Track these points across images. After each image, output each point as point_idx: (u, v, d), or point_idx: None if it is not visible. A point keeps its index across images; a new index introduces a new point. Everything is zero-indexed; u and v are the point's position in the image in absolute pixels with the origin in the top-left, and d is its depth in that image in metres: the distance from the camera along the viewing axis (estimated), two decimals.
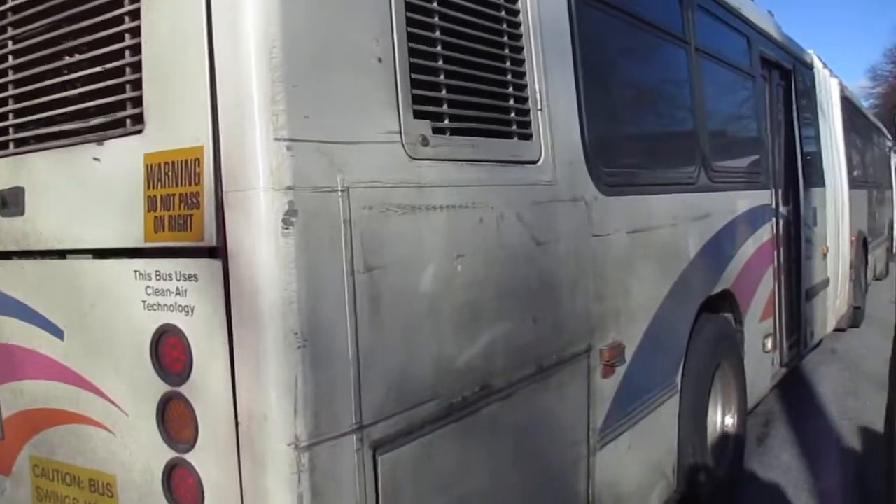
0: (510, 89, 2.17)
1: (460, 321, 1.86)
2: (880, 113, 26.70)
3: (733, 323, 4.15)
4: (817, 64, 6.67)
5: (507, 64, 2.16)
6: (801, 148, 5.75)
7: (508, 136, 2.15)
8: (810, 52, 6.59)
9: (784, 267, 5.37)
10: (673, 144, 3.40)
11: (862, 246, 8.94)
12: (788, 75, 5.66)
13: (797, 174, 5.66)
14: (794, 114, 5.69)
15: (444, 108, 1.90)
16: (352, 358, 1.55)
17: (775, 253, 5.06)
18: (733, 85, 4.32)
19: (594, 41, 2.66)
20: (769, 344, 4.68)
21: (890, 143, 15.19)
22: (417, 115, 1.78)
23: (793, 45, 5.86)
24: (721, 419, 3.93)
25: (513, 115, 2.18)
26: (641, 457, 2.91)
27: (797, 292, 5.68)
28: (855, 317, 8.35)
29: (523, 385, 2.12)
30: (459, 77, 1.95)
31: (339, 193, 1.53)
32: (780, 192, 5.31)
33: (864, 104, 16.02)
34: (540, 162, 2.25)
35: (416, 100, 1.78)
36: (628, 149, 2.97)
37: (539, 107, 2.25)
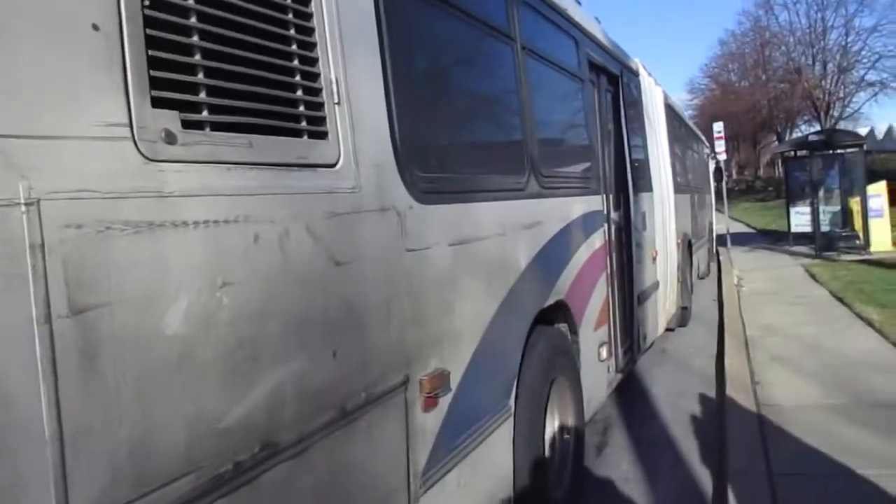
0: (297, 77, 1.79)
1: (228, 367, 1.46)
2: (698, 123, 28.73)
3: (568, 334, 4.00)
4: (643, 72, 6.80)
5: (293, 46, 1.79)
6: (630, 154, 5.78)
7: (296, 133, 1.77)
8: (636, 60, 6.71)
9: (617, 272, 5.35)
10: (499, 148, 3.15)
11: (687, 248, 9.34)
12: (616, 81, 5.67)
13: (627, 180, 5.68)
14: (623, 120, 5.71)
15: (202, 95, 1.49)
16: (49, 437, 1.11)
17: (608, 259, 5.01)
18: (562, 88, 4.19)
19: (406, 28, 2.35)
20: (604, 352, 4.59)
21: (708, 151, 16.26)
22: (159, 103, 1.36)
23: (619, 51, 5.90)
24: (559, 436, 3.75)
25: (301, 108, 1.80)
26: (473, 493, 2.62)
27: (630, 297, 5.70)
28: (683, 316, 8.67)
29: (322, 435, 1.74)
30: (224, 58, 1.55)
31: (23, 208, 1.09)
32: (611, 197, 5.29)
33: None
34: (338, 165, 1.88)
35: (157, 83, 1.36)
36: (448, 152, 2.67)
37: (336, 100, 1.89)
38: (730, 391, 5.45)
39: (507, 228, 3.00)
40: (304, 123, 1.79)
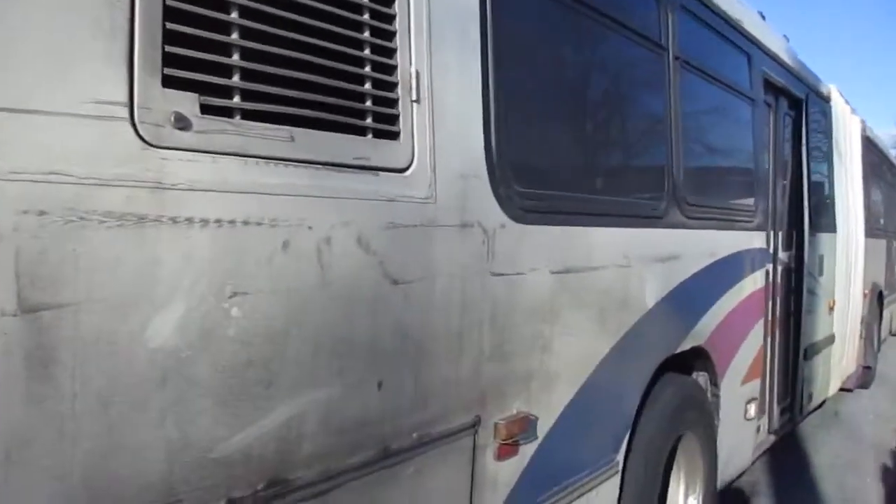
0: (366, 68, 1.59)
1: (231, 388, 1.27)
2: None
3: (707, 385, 3.52)
4: (836, 98, 6.03)
5: (365, 33, 1.58)
6: (810, 188, 5.12)
7: (357, 130, 1.56)
8: (830, 84, 5.96)
9: (780, 321, 4.73)
10: (630, 166, 2.78)
11: (877, 300, 8.23)
12: (799, 105, 5.04)
13: (803, 216, 5.02)
14: (804, 149, 5.06)
15: (235, 79, 1.31)
16: None
17: (769, 304, 4.42)
18: (726, 107, 3.72)
19: (518, 18, 2.08)
20: (752, 410, 4.02)
21: None
22: (172, 82, 1.20)
23: (807, 72, 5.25)
24: (683, 500, 3.29)
25: (368, 102, 1.59)
26: None
27: (795, 350, 5.02)
28: (864, 377, 7.63)
29: (353, 476, 1.52)
30: (265, 37, 1.37)
31: None
32: (780, 234, 4.68)
33: (894, 152, 15.22)
34: (410, 171, 1.66)
35: (173, 60, 1.20)
36: (560, 166, 2.35)
37: (415, 96, 1.66)
38: None
39: (634, 260, 2.63)
40: (368, 120, 1.58)
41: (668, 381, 2.99)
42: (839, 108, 6.15)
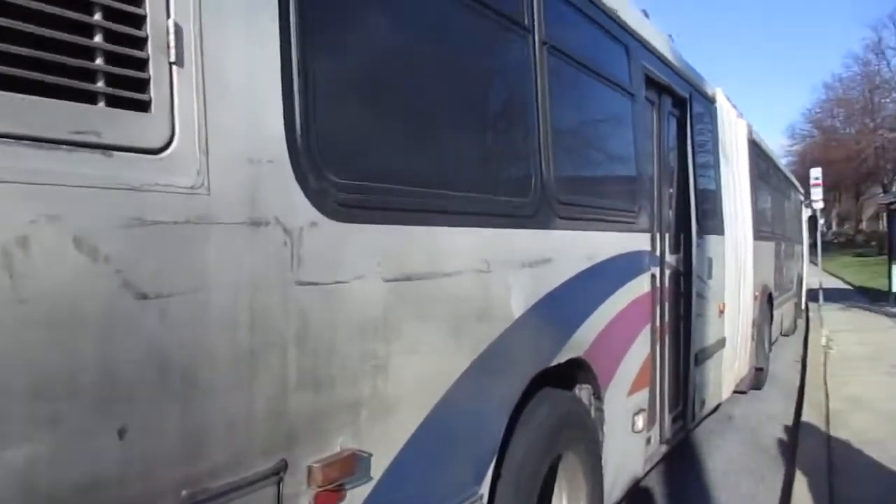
0: (97, 15, 1.20)
1: None
2: (797, 171, 27.10)
3: (589, 399, 3.27)
4: (722, 100, 5.99)
5: None
6: (697, 190, 5.00)
7: (82, 96, 1.18)
8: (716, 88, 5.91)
9: (669, 327, 4.56)
10: (490, 160, 2.46)
11: (767, 301, 8.33)
12: (684, 104, 4.92)
13: (690, 218, 4.89)
14: (690, 150, 4.94)
15: None
16: None
17: (656, 310, 4.24)
18: (602, 100, 3.49)
19: None
20: (640, 421, 3.81)
21: (802, 198, 15.00)
22: None
23: (691, 71, 5.14)
24: None
25: (99, 60, 1.21)
26: None
27: (685, 356, 4.88)
28: (757, 378, 7.68)
29: None
30: None
31: None
32: (666, 237, 4.52)
33: (783, 161, 15.80)
34: (168, 153, 1.28)
35: None
36: (401, 154, 2.01)
37: (174, 57, 1.29)
38: (799, 479, 4.54)
39: (496, 264, 2.32)
40: (100, 84, 1.20)
41: (542, 397, 2.71)
42: (725, 110, 6.12)
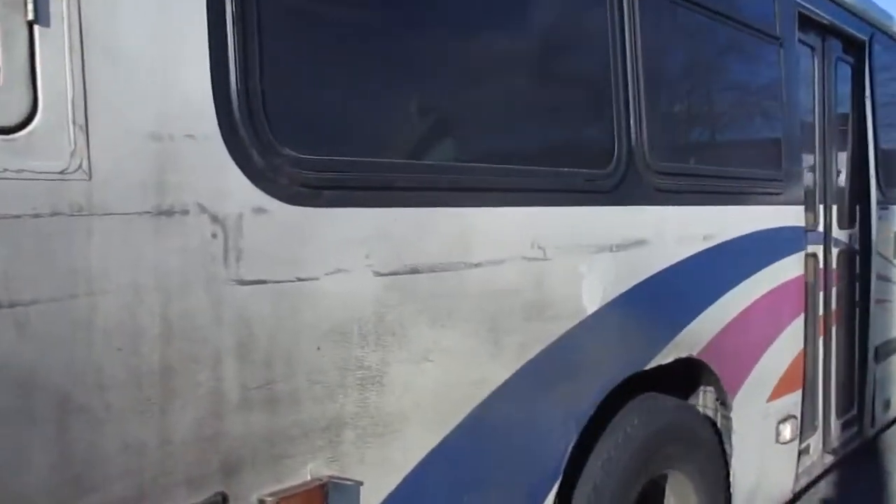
0: None
1: None
2: None
3: (713, 406, 2.76)
4: None
5: None
6: (878, 151, 4.15)
7: None
8: None
9: (837, 317, 3.83)
10: (541, 116, 2.00)
11: None
12: (860, 50, 4.08)
13: (868, 186, 4.07)
14: (868, 105, 4.09)
15: None
16: None
17: (815, 297, 3.55)
18: (726, 45, 2.89)
19: None
20: (788, 430, 3.18)
21: None
22: None
23: (871, 7, 4.26)
24: None
25: None
26: None
27: (861, 350, 4.10)
28: None
29: None
30: None
31: None
32: (833, 209, 3.78)
33: None
34: (26, 131, 1.05)
35: None
36: (395, 114, 1.65)
37: (31, 14, 1.05)
38: None
39: (555, 250, 1.92)
40: None
41: (635, 407, 2.27)
42: None
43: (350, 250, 1.45)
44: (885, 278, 4.28)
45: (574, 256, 1.99)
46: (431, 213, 1.63)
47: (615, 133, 2.15)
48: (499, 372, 1.78)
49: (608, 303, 2.11)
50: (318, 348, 1.41)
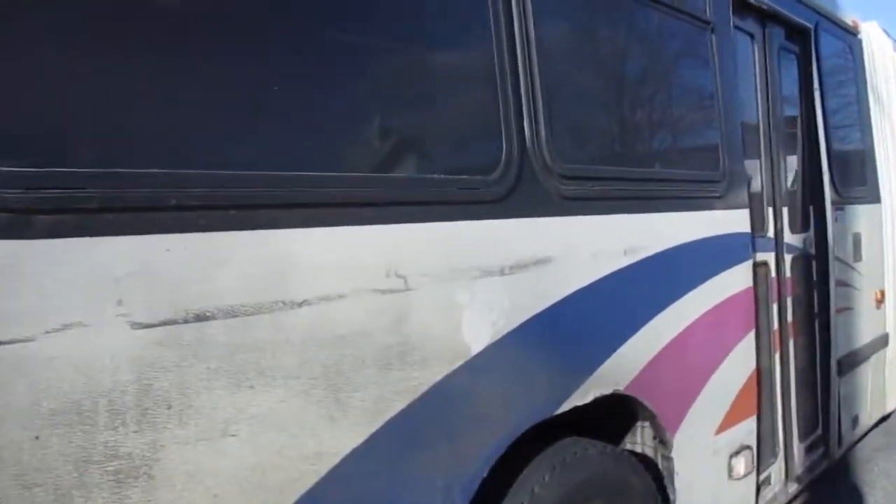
0: None
1: None
2: None
3: (650, 443, 2.38)
4: (868, 32, 4.68)
5: None
6: (830, 149, 3.82)
7: None
8: (851, 14, 4.60)
9: (794, 330, 3.48)
10: (394, 110, 1.60)
11: None
12: (805, 38, 3.77)
13: (822, 186, 3.75)
14: (818, 98, 3.77)
15: None
16: None
17: (768, 310, 3.20)
18: (650, 26, 2.54)
19: None
20: (742, 464, 2.81)
21: None
22: None
23: None
24: None
25: None
26: None
27: (823, 365, 3.75)
28: None
29: None
30: None
31: None
32: (783, 211, 3.44)
33: None
34: None
35: None
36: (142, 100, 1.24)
37: None
38: None
39: (419, 278, 1.53)
40: None
41: (547, 459, 1.88)
42: (877, 44, 4.80)
43: (88, 296, 1.04)
44: (845, 284, 3.96)
45: (448, 284, 1.60)
46: (228, 238, 1.22)
47: (502, 130, 1.77)
48: (343, 441, 1.37)
49: (500, 338, 1.72)
50: (37, 437, 1.00)
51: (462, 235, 1.65)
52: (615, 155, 2.34)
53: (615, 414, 2.30)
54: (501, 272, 1.73)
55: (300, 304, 1.30)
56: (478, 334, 1.66)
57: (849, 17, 4.39)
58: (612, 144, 2.34)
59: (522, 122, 1.82)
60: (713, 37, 2.77)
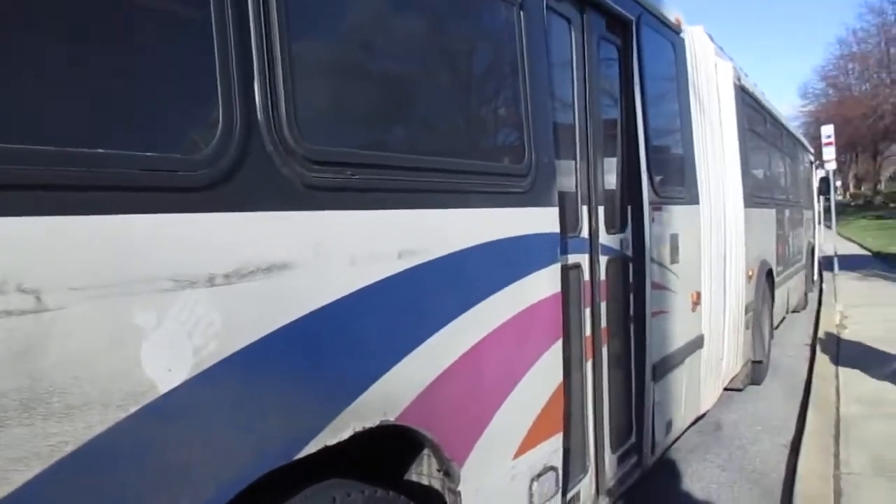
0: None
1: None
2: (808, 132, 25.40)
3: (437, 475, 2.04)
4: (693, 33, 4.65)
5: None
6: (649, 148, 3.69)
7: None
8: (676, 12, 4.54)
9: (606, 337, 3.29)
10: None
11: (766, 280, 7.00)
12: (626, 30, 3.60)
13: (640, 185, 3.60)
14: (637, 94, 3.62)
15: None
16: None
17: (579, 317, 2.98)
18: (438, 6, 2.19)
19: None
20: (546, 486, 2.56)
21: (812, 158, 13.55)
22: None
23: None
24: None
25: None
26: None
27: (637, 371, 3.62)
28: (755, 372, 6.40)
29: None
30: None
31: None
32: (599, 210, 3.24)
33: (794, 123, 14.27)
34: None
35: None
36: None
37: None
38: None
39: (62, 294, 1.08)
40: None
41: None
42: (698, 44, 4.78)
43: None
44: (662, 287, 3.85)
45: (115, 301, 1.15)
46: None
47: (218, 91, 1.34)
48: None
49: (206, 370, 1.29)
50: None
51: (145, 234, 1.21)
52: (389, 139, 1.97)
53: (404, 440, 1.96)
54: (210, 282, 1.31)
55: None
56: (168, 367, 1.23)
57: (673, 14, 4.31)
58: (386, 126, 1.96)
59: (252, 85, 1.40)
60: (521, 13, 2.47)
